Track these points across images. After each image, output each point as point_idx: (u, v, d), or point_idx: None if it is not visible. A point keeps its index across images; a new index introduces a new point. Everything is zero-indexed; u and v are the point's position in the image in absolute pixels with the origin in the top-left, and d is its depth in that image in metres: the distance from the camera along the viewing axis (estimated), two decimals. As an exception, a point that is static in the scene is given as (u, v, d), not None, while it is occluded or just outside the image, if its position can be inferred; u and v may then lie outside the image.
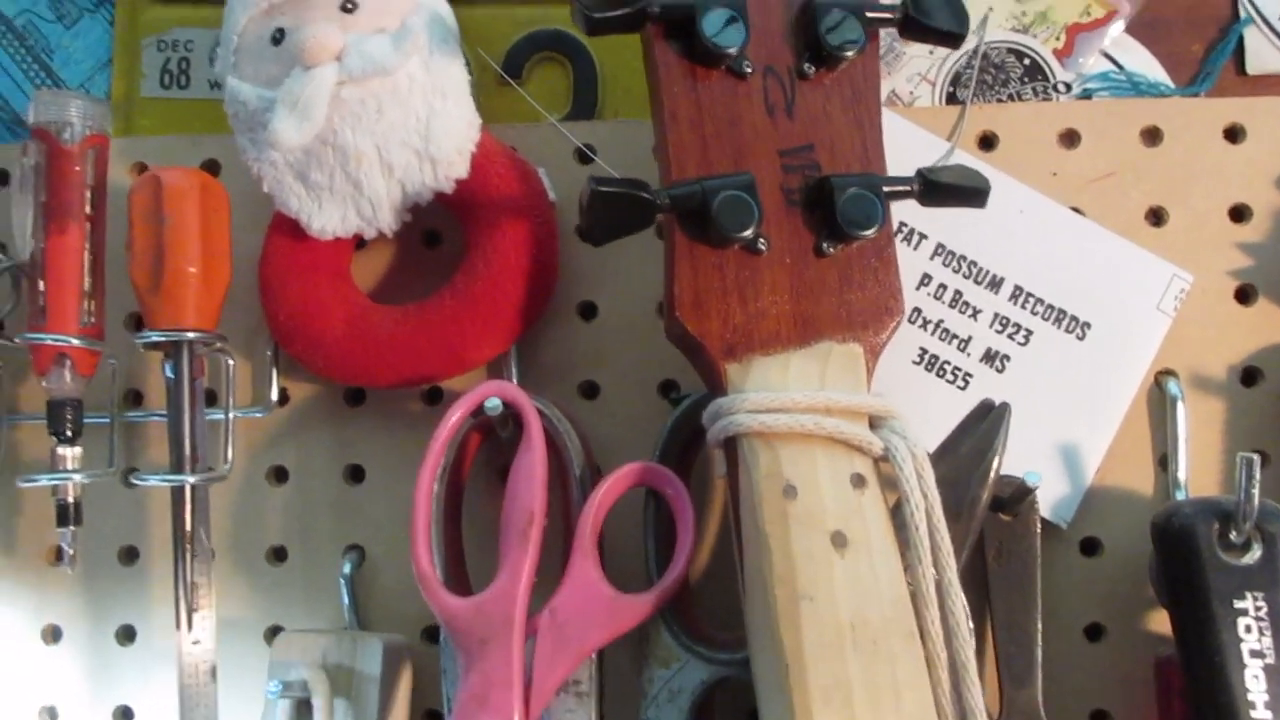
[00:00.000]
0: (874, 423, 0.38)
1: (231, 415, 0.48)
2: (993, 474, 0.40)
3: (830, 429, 0.37)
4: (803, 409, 0.37)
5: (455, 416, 0.41)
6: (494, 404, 0.41)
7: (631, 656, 0.41)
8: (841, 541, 0.36)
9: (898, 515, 0.37)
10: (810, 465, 0.37)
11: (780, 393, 0.37)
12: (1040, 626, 0.42)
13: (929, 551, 0.36)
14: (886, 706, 0.34)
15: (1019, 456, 0.42)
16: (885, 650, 0.34)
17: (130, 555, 0.49)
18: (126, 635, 0.49)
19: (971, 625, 0.36)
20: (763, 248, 0.39)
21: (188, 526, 0.44)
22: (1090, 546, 0.45)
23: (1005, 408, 0.41)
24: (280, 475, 0.49)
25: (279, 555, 0.48)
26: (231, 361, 0.48)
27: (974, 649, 0.36)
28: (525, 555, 0.38)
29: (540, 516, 0.39)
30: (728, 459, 0.38)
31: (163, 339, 0.44)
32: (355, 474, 0.48)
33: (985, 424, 0.40)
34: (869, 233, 0.39)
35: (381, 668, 0.43)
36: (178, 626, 0.44)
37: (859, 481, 0.37)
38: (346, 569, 0.47)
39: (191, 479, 0.44)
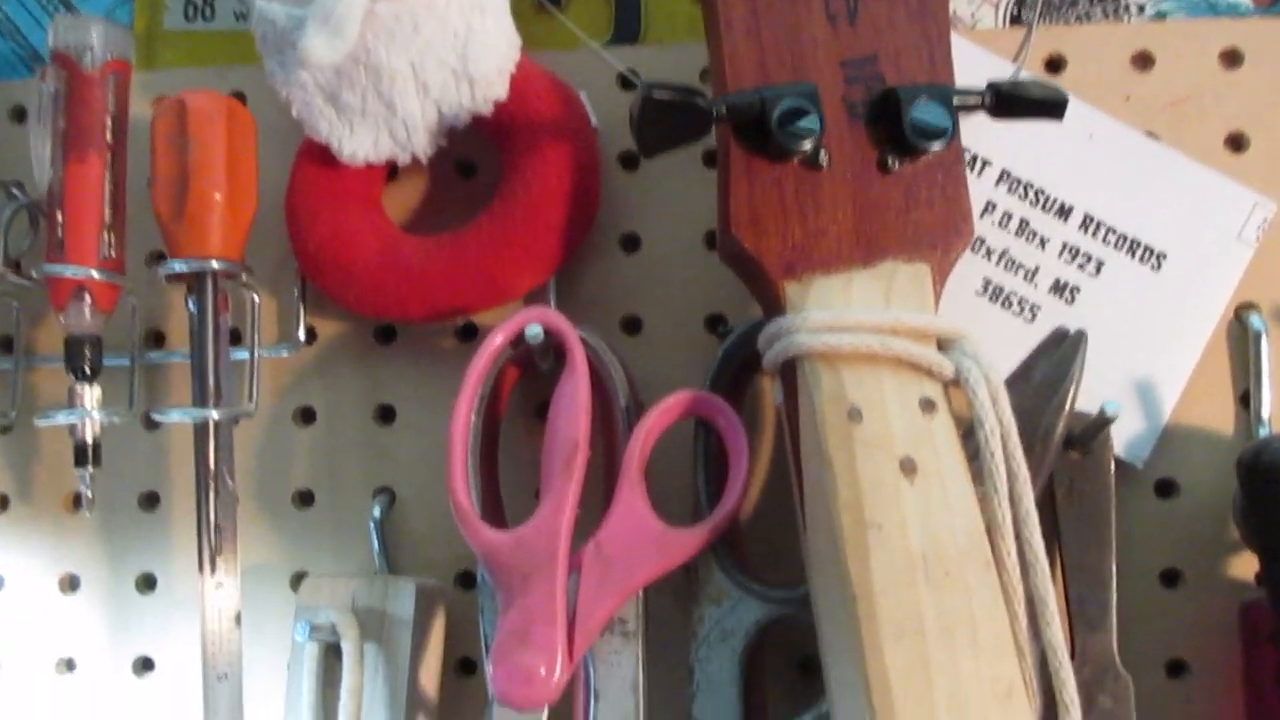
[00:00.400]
0: (943, 346, 0.35)
1: (257, 354, 0.46)
2: (1068, 404, 0.37)
3: (897, 350, 0.34)
4: (868, 329, 0.34)
5: (496, 341, 0.39)
6: (535, 331, 0.39)
7: (676, 597, 0.39)
8: (911, 468, 0.33)
9: (970, 443, 0.34)
10: (876, 388, 0.34)
11: (843, 312, 0.35)
12: (1114, 569, 0.39)
13: (1005, 480, 0.34)
14: (962, 641, 0.31)
15: (1090, 393, 0.39)
16: (960, 582, 0.32)
17: (151, 501, 0.47)
18: (147, 583, 0.47)
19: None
20: (824, 162, 0.36)
21: (211, 465, 0.42)
22: (1166, 488, 0.42)
23: (1081, 335, 0.38)
24: (307, 416, 0.47)
25: (305, 499, 0.46)
26: (257, 298, 0.46)
27: (1052, 583, 0.34)
28: (569, 486, 0.36)
29: (585, 445, 0.37)
30: (785, 385, 0.36)
31: (186, 269, 0.42)
32: (385, 414, 0.46)
33: (1060, 352, 0.38)
34: (937, 145, 0.36)
35: (414, 611, 0.41)
36: (200, 569, 0.42)
37: (928, 406, 0.34)
38: (376, 513, 0.44)
39: (215, 414, 0.42)
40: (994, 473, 0.34)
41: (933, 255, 0.36)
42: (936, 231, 0.37)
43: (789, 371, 0.36)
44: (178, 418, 0.42)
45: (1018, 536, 0.33)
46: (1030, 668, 0.33)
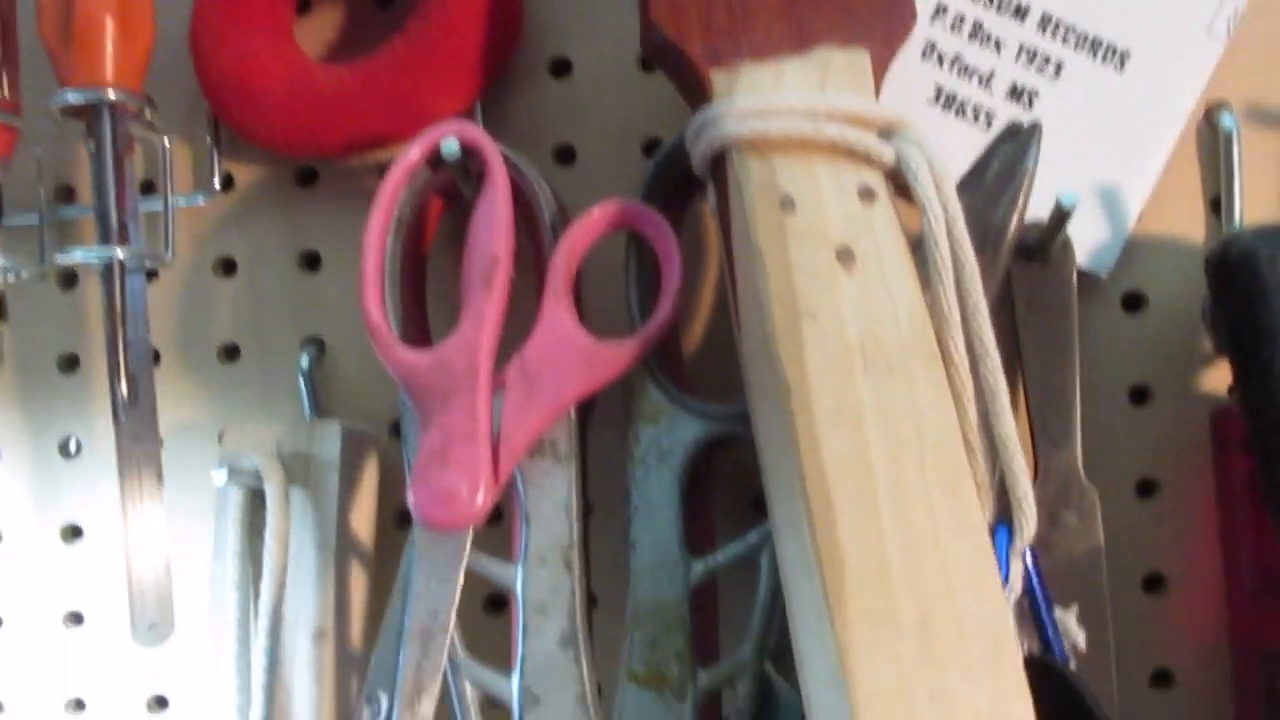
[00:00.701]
0: (885, 137, 0.33)
1: (171, 203, 0.43)
2: (1021, 198, 0.35)
3: (833, 135, 0.32)
4: (800, 113, 0.32)
5: (411, 155, 0.36)
6: (451, 147, 0.36)
7: (617, 423, 0.37)
8: (848, 257, 0.31)
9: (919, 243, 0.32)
10: (810, 175, 0.32)
11: (773, 97, 0.32)
12: (1078, 384, 0.37)
13: (951, 270, 0.31)
14: (906, 432, 0.29)
15: (1051, 202, 0.37)
16: (903, 373, 0.30)
17: (70, 363, 0.45)
18: (71, 448, 0.45)
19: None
20: (751, -60, 0.34)
21: (118, 308, 0.40)
22: (1134, 301, 0.40)
23: (1035, 127, 0.35)
24: (228, 267, 0.44)
25: (230, 353, 0.44)
26: (168, 142, 0.43)
27: (1004, 376, 0.31)
28: (489, 301, 0.34)
29: (506, 259, 0.34)
30: (716, 184, 0.34)
31: (80, 100, 0.39)
32: (310, 261, 0.44)
33: (1012, 146, 0.35)
34: (874, -82, 0.33)
35: (340, 452, 0.38)
36: (115, 420, 0.40)
37: (867, 194, 0.32)
38: (304, 363, 0.42)
39: (119, 253, 0.39)
40: (939, 262, 0.31)
41: (872, 42, 0.34)
42: (875, 17, 0.34)
43: (719, 168, 0.33)
44: (80, 257, 0.40)
45: (966, 329, 0.31)
46: (982, 465, 0.31)
